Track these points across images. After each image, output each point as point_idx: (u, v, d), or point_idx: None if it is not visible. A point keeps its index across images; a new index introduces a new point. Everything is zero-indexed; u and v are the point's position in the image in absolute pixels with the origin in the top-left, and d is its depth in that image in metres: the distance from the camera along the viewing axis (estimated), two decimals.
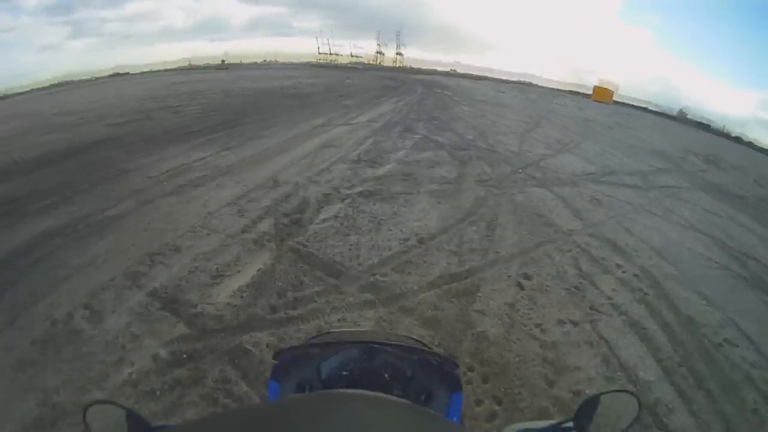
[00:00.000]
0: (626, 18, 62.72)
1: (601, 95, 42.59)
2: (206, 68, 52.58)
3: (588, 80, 66.70)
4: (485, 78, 52.75)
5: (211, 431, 0.64)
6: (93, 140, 11.19)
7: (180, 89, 23.94)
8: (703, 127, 37.82)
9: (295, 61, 61.09)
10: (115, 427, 0.93)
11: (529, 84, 53.26)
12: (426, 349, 1.18)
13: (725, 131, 36.73)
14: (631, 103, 43.74)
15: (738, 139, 33.51)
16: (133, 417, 0.94)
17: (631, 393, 0.99)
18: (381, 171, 8.82)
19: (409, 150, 10.64)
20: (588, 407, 0.96)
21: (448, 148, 11.10)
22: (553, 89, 50.93)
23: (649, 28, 63.18)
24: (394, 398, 0.89)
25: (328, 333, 1.63)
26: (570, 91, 51.37)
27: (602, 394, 0.97)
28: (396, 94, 23.47)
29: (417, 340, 1.33)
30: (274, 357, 1.13)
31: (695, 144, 22.07)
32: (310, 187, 7.72)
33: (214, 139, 11.12)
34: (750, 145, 31.75)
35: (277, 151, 10.00)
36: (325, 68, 50.27)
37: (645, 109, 42.93)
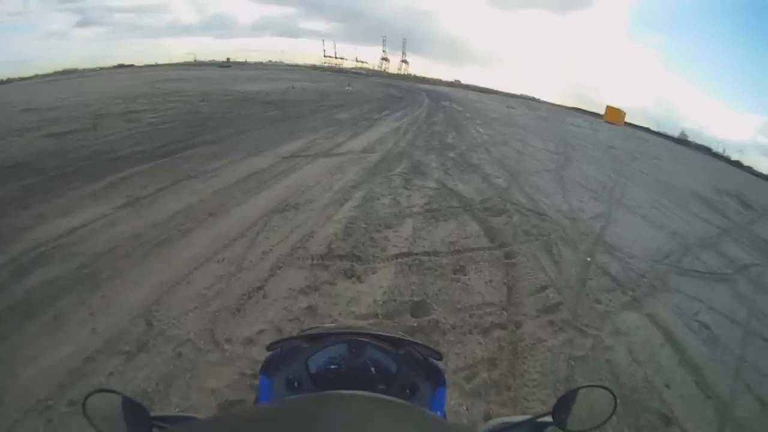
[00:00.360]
0: (630, 37, 59.38)
1: (613, 116, 39.70)
2: (209, 65, 49.33)
3: (588, 97, 64.03)
4: (489, 91, 49.59)
5: (216, 430, 0.62)
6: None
7: (161, 88, 19.78)
8: (703, 150, 35.98)
9: (301, 63, 58.15)
10: (115, 417, 0.88)
11: (532, 99, 50.40)
12: (412, 341, 1.11)
13: (725, 155, 35.21)
14: (634, 123, 41.27)
15: (738, 164, 32.15)
16: (133, 406, 0.89)
17: (607, 389, 0.95)
18: (366, 287, 4.20)
19: (419, 218, 6.09)
20: (566, 401, 0.94)
21: (478, 211, 6.72)
22: (556, 105, 48.08)
23: (652, 47, 59.95)
24: (393, 399, 0.85)
25: (315, 328, 1.33)
26: (573, 108, 48.70)
27: (579, 388, 0.95)
28: (400, 107, 19.21)
29: (404, 337, 1.17)
30: (268, 348, 1.09)
31: (718, 178, 18.60)
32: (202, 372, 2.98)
33: (134, 176, 6.78)
34: (750, 170, 30.69)
35: (201, 215, 5.56)
36: (328, 72, 46.97)
37: (648, 130, 40.41)
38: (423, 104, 21.87)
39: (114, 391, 0.90)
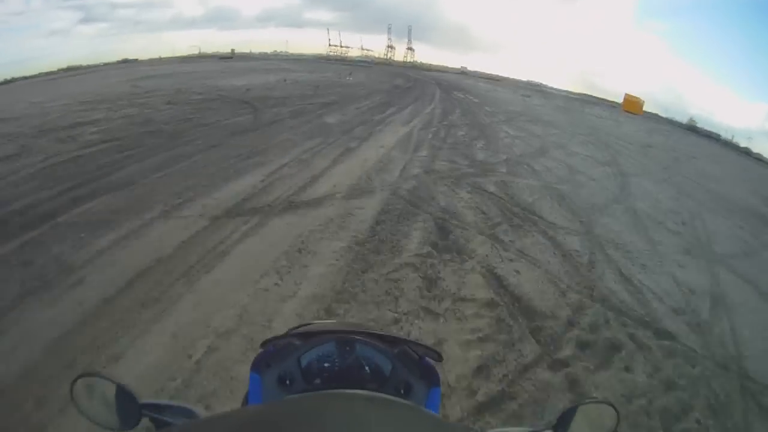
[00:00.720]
0: (635, 23, 54.38)
1: (632, 106, 35.17)
2: (211, 58, 46.48)
3: (595, 83, 59.54)
4: (497, 78, 45.35)
5: (215, 429, 0.57)
6: None
7: (139, 86, 16.18)
8: (713, 138, 32.72)
9: (307, 53, 54.74)
10: (104, 403, 0.81)
11: (539, 85, 46.51)
12: (410, 340, 0.99)
13: (734, 142, 32.01)
14: (645, 110, 36.59)
15: (747, 152, 29.31)
16: (121, 392, 0.81)
17: (610, 404, 0.85)
18: None
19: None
20: (568, 416, 0.85)
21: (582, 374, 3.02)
22: (565, 92, 43.99)
23: (658, 33, 54.97)
24: (393, 398, 0.79)
25: (309, 324, 1.22)
26: (583, 94, 44.56)
27: (581, 404, 0.86)
28: (408, 102, 15.21)
29: (401, 336, 1.05)
30: (262, 345, 0.98)
31: (757, 181, 14.89)
32: None
33: None
34: (759, 158, 27.91)
35: None
36: (332, 62, 43.14)
37: (657, 117, 36.76)
38: (434, 97, 17.85)
39: (102, 376, 0.82)
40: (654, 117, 36.39)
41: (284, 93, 14.68)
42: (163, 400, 0.86)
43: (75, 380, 0.80)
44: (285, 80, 19.20)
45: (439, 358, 0.97)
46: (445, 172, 7.06)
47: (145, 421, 0.81)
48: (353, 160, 7.26)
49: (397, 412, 0.67)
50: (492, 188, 6.56)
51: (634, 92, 36.89)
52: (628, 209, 6.98)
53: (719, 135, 33.82)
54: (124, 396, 0.80)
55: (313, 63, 38.10)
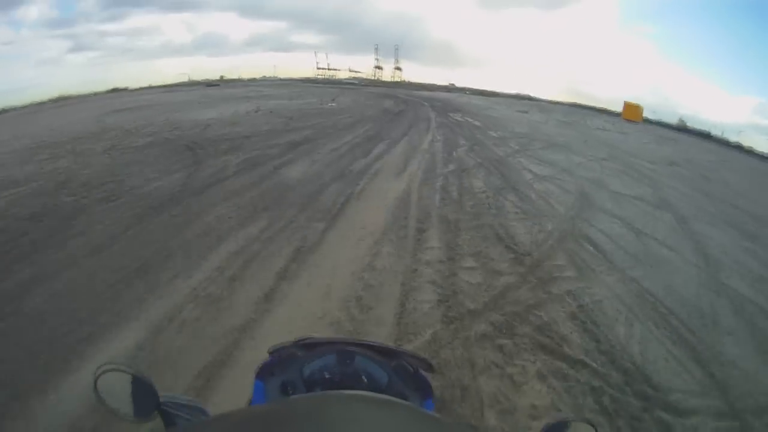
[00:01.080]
0: (620, 28, 52.10)
1: (631, 113, 32.38)
2: (199, 84, 44.14)
3: (583, 91, 57.19)
4: (488, 93, 42.57)
5: (218, 430, 0.57)
6: None
7: (103, 122, 13.51)
8: (704, 136, 31.30)
9: (295, 76, 52.52)
10: (125, 395, 0.79)
11: (529, 98, 43.90)
12: (405, 352, 1.03)
13: (724, 138, 30.69)
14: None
15: (738, 147, 28.32)
16: (143, 386, 0.79)
17: (592, 424, 0.82)
18: None
19: None
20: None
21: None
22: (556, 103, 41.28)
23: (643, 37, 52.67)
24: (394, 399, 0.81)
25: (311, 338, 1.16)
26: (574, 104, 41.92)
27: (563, 422, 0.82)
28: (401, 130, 11.90)
29: (397, 348, 1.08)
30: (269, 353, 1.01)
31: None
32: None
33: None
34: (751, 152, 27.09)
35: None
36: (319, 85, 40.16)
37: (648, 120, 34.16)
38: (430, 123, 14.61)
39: (125, 370, 0.79)
40: (649, 122, 33.93)
41: (249, 129, 11.35)
42: (179, 396, 0.82)
43: (98, 375, 0.76)
44: (258, 110, 15.93)
45: (431, 369, 0.98)
46: (485, 309, 3.54)
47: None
48: (306, 281, 3.80)
49: (398, 412, 0.65)
50: (576, 337, 3.18)
51: (623, 98, 34.97)
52: (749, 330, 3.70)
53: (710, 132, 32.16)
54: (145, 389, 0.78)
55: (298, 87, 35.13)
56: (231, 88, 34.14)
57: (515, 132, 14.52)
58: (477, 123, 15.63)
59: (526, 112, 25.28)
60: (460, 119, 16.46)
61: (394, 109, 18.03)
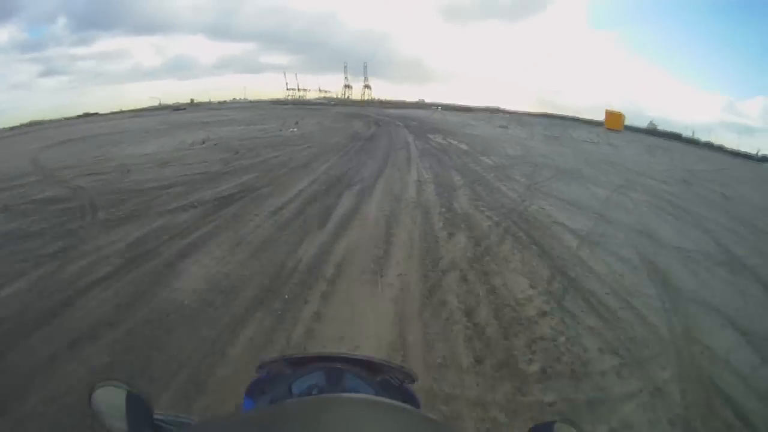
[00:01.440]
0: (585, 36, 51.31)
1: (613, 122, 30.50)
2: (165, 108, 41.19)
3: (552, 101, 56.21)
4: (460, 108, 40.34)
5: None
6: None
7: (37, 159, 10.59)
8: (674, 137, 30.31)
9: (265, 98, 49.43)
10: (120, 411, 0.72)
11: (497, 110, 42.02)
12: (388, 365, 0.97)
13: (694, 138, 30.04)
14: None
15: (710, 145, 27.42)
16: (137, 402, 0.72)
17: (573, 424, 0.75)
18: None
19: None
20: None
21: None
22: (529, 114, 39.52)
23: (608, 42, 52.04)
24: (386, 400, 0.76)
25: (296, 355, 1.24)
26: (543, 114, 40.34)
27: (547, 424, 0.76)
28: (375, 165, 8.69)
29: (381, 361, 1.01)
30: (257, 370, 0.95)
31: None
32: None
33: None
34: (721, 149, 26.00)
35: None
36: (289, 106, 36.95)
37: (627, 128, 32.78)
38: (410, 149, 11.58)
39: (120, 386, 0.72)
40: (628, 128, 32.26)
41: (178, 172, 7.96)
42: (174, 414, 0.77)
43: (93, 390, 0.71)
44: (204, 141, 12.54)
45: (413, 380, 0.94)
46: None
47: None
48: None
49: (392, 414, 0.62)
50: None
51: (593, 105, 34.05)
52: None
53: (680, 134, 31.55)
54: (139, 405, 0.73)
55: (264, 109, 32.07)
56: (196, 112, 31.42)
57: (510, 156, 11.69)
58: (463, 146, 12.71)
59: (507, 127, 22.79)
60: (442, 142, 13.51)
61: (365, 134, 14.91)
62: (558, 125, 28.30)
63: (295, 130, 14.69)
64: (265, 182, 7.22)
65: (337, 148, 11.03)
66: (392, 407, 0.69)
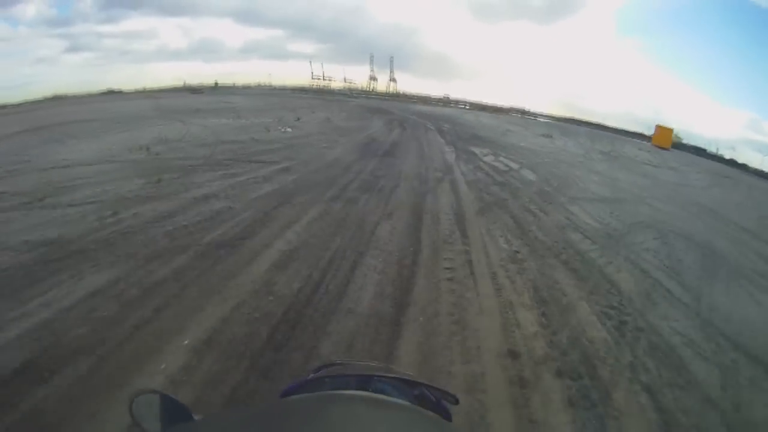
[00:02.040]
0: (614, 42, 44.80)
1: (662, 140, 24.32)
2: (184, 91, 37.87)
3: (577, 105, 50.23)
4: (485, 107, 35.04)
5: (217, 428, 0.52)
6: None
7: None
8: (699, 152, 26.34)
9: (289, 84, 45.23)
10: (160, 417, 0.69)
11: (524, 111, 36.62)
12: (429, 385, 0.85)
13: (719, 154, 25.83)
14: (628, 130, 28.78)
15: (733, 162, 23.78)
16: (176, 406, 0.70)
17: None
18: None
19: None
20: None
21: None
22: (555, 119, 33.98)
23: (637, 50, 45.42)
24: (394, 400, 0.69)
25: (332, 365, 1.07)
26: (569, 118, 34.61)
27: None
28: (403, 217, 4.25)
29: (421, 381, 0.89)
30: (282, 396, 0.76)
31: None
32: None
33: None
34: (745, 168, 22.44)
35: None
36: (311, 94, 32.79)
37: (642, 136, 27.79)
38: (453, 175, 6.88)
39: (159, 393, 0.70)
40: (687, 149, 26.89)
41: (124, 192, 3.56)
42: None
43: (133, 398, 0.67)
44: (148, 149, 8.04)
45: (455, 401, 0.84)
46: None
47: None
48: None
49: (398, 413, 0.58)
50: None
51: (617, 113, 29.01)
52: None
53: (705, 149, 27.39)
54: (179, 411, 0.69)
55: (279, 97, 27.77)
56: (212, 96, 28.09)
57: (603, 199, 6.84)
58: (527, 174, 7.84)
59: (551, 137, 17.62)
60: (495, 164, 8.60)
61: (383, 140, 10.06)
62: (599, 136, 22.99)
63: (289, 130, 9.97)
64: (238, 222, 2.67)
65: (330, 178, 6.25)
66: (395, 404, 0.63)
